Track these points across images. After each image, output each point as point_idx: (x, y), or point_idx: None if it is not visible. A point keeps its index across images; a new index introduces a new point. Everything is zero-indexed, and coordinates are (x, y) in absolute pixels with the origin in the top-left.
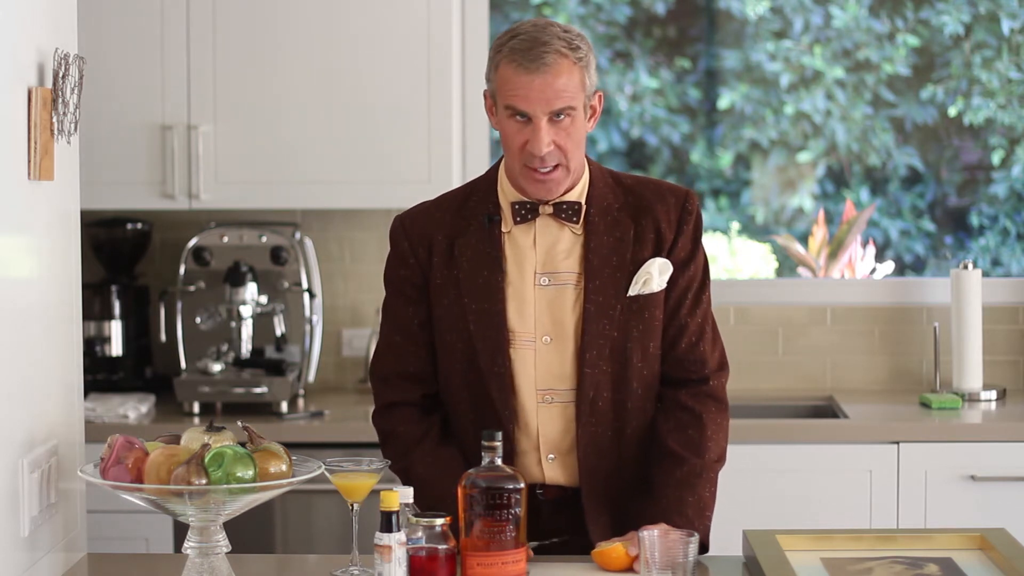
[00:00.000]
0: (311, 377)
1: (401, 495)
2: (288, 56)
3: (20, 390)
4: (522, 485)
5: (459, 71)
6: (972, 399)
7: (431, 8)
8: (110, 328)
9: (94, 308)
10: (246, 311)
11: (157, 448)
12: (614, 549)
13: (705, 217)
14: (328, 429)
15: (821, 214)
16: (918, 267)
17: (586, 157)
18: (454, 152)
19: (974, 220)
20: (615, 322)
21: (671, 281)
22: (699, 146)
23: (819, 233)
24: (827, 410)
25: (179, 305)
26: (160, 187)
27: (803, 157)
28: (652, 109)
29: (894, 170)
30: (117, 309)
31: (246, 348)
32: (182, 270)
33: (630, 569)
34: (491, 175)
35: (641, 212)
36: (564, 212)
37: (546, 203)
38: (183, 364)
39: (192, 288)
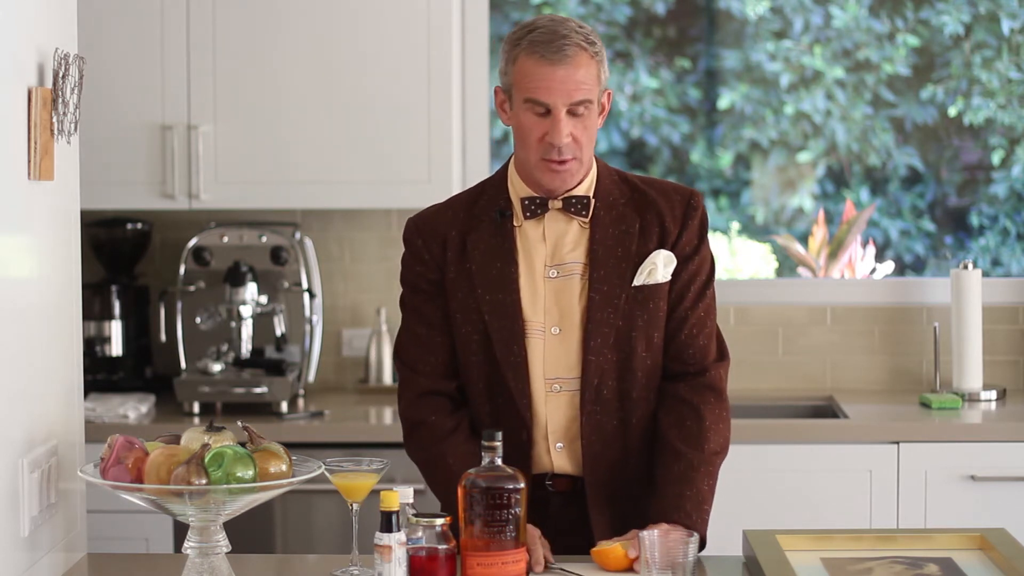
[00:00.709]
0: (311, 377)
1: (401, 495)
2: (288, 56)
3: (20, 390)
4: (522, 485)
5: (459, 71)
6: (972, 399)
7: (431, 8)
8: (110, 328)
9: (94, 308)
10: (246, 311)
11: (157, 448)
12: (613, 549)
13: None
14: (328, 429)
15: (821, 214)
16: (918, 267)
17: (594, 155)
18: (454, 152)
19: (974, 220)
20: (620, 311)
21: (675, 274)
22: (699, 146)
23: (819, 233)
24: (827, 410)
25: (179, 305)
26: (160, 187)
27: (803, 157)
28: (652, 109)
29: (894, 170)
30: (117, 309)
31: (246, 348)
32: (182, 270)
33: (630, 569)
34: (500, 174)
35: (646, 207)
36: (573, 206)
37: (555, 198)
38: (183, 364)
39: (192, 288)
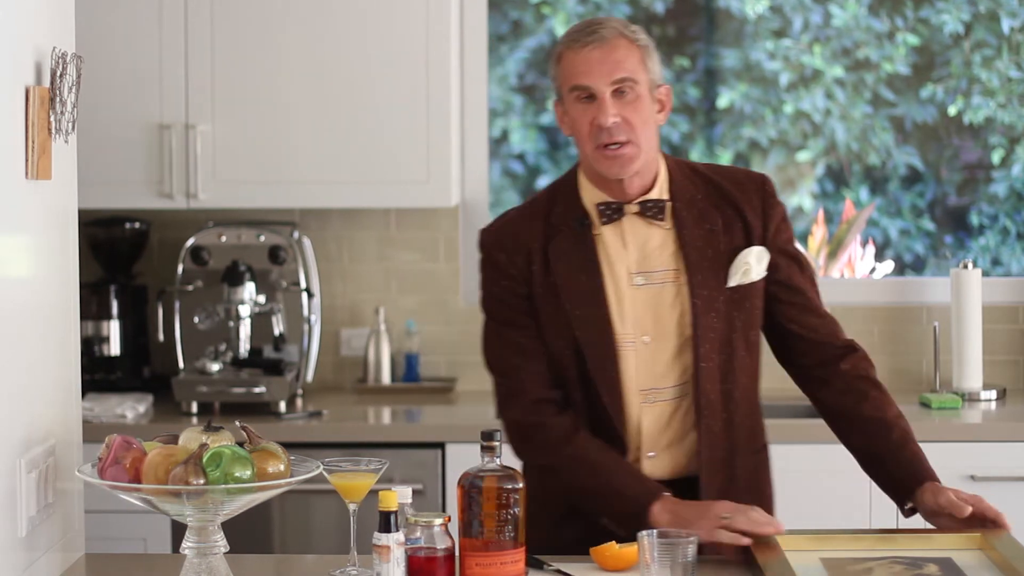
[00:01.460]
0: (309, 377)
1: (399, 495)
2: (286, 55)
3: (18, 390)
4: (521, 485)
5: (458, 71)
6: (972, 399)
7: (430, 7)
8: (108, 328)
9: (92, 308)
10: (244, 311)
11: (155, 448)
12: (611, 548)
13: None
14: (326, 429)
15: (820, 213)
16: (918, 267)
17: (661, 152)
18: (453, 152)
19: (974, 219)
20: (720, 314)
21: (778, 268)
22: (698, 145)
23: (819, 232)
24: None
25: (177, 305)
26: (158, 186)
27: (802, 156)
28: None
29: (894, 169)
30: (115, 309)
31: (244, 348)
32: (180, 269)
33: (630, 569)
34: (570, 180)
35: (724, 201)
36: (650, 210)
37: (630, 201)
38: (181, 364)
39: (190, 288)
